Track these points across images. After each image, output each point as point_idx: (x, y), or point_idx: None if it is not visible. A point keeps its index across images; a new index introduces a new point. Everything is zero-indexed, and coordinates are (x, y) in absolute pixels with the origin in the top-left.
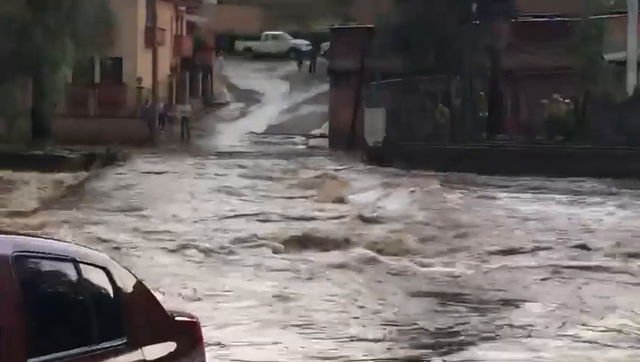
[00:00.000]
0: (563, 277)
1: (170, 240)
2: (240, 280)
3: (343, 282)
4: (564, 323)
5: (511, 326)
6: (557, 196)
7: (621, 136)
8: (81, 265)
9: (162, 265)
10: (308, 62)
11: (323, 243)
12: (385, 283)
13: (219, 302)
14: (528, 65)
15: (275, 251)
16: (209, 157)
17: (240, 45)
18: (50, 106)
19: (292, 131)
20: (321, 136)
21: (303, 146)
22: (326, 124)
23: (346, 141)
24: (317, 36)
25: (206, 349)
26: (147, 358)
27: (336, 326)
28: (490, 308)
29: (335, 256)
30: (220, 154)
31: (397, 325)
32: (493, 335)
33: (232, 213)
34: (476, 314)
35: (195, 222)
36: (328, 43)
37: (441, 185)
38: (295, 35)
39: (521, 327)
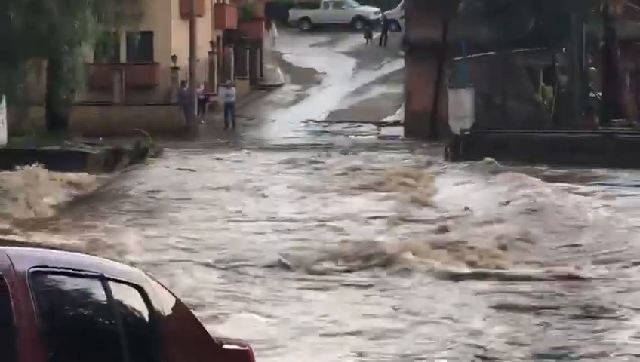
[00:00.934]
0: None
1: (220, 256)
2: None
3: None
4: None
5: None
6: None
7: None
8: (111, 283)
9: (216, 283)
10: (378, 34)
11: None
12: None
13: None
14: None
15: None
16: (259, 151)
17: (295, 14)
18: (69, 92)
19: (359, 118)
20: (395, 123)
21: (373, 136)
22: (401, 109)
23: (425, 129)
24: (388, 1)
25: None
26: None
27: None
28: None
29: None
30: (272, 148)
31: None
32: None
33: (313, 222)
34: None
35: (258, 233)
36: (400, 8)
37: (545, 181)
38: (361, 1)
39: None
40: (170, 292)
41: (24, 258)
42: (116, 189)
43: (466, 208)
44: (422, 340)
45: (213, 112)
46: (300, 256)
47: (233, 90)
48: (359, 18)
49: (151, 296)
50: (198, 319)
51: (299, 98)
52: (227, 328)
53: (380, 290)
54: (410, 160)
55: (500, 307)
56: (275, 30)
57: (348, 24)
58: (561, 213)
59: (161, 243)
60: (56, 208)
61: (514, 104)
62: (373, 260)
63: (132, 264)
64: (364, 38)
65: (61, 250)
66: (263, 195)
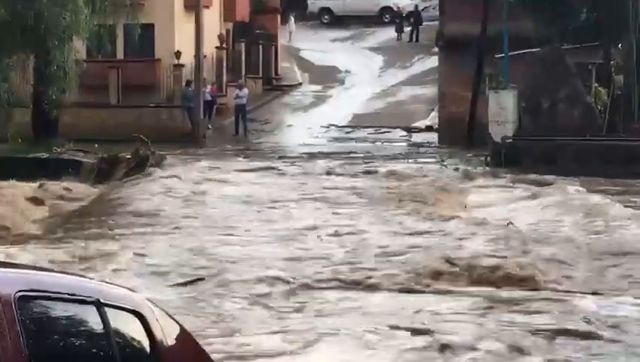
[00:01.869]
0: None
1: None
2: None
3: None
4: None
5: None
6: None
7: None
8: (107, 309)
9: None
10: (409, 28)
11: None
12: None
13: None
14: None
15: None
16: (275, 161)
17: (315, 5)
18: (58, 92)
19: (387, 123)
20: (428, 129)
21: (403, 143)
22: (435, 113)
23: (462, 135)
24: None
25: None
26: None
27: None
28: None
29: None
30: (289, 157)
31: None
32: None
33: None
34: None
35: (287, 259)
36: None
37: (598, 194)
38: None
39: None
40: (174, 320)
41: (10, 281)
42: (112, 203)
43: (510, 223)
44: None
45: (221, 116)
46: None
47: (245, 90)
48: (388, 9)
49: (152, 324)
50: (205, 350)
51: (319, 100)
52: None
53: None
54: (446, 171)
55: None
56: (293, 23)
57: (375, 16)
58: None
59: (161, 264)
60: (44, 224)
61: (563, 107)
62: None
63: (131, 288)
64: (396, 32)
65: (52, 271)
66: (320, 238)
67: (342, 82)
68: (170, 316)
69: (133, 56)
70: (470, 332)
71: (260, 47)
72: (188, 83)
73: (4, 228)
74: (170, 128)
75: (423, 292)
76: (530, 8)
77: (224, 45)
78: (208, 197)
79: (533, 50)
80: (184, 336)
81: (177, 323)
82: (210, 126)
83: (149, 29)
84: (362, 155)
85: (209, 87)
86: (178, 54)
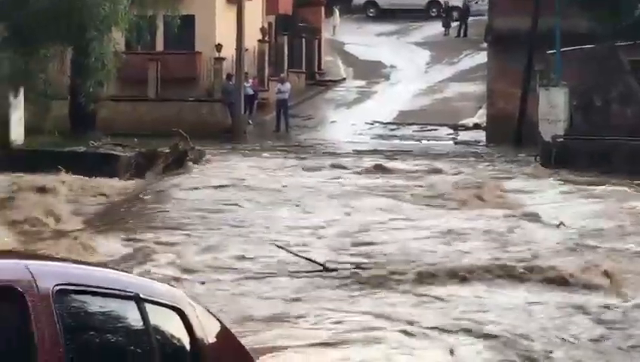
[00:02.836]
0: None
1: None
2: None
3: None
4: None
5: None
6: None
7: None
8: (147, 305)
9: None
10: (457, 22)
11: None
12: None
13: None
14: None
15: None
16: (320, 158)
17: None
18: (96, 85)
19: (434, 120)
20: (476, 127)
21: (449, 142)
22: (483, 110)
23: (511, 134)
24: None
25: None
26: None
27: None
28: None
29: None
30: (332, 154)
31: None
32: None
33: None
34: None
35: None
36: None
37: None
38: None
39: None
40: (216, 318)
41: (48, 274)
42: (151, 199)
43: (561, 223)
44: None
45: (263, 111)
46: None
47: (287, 85)
48: (436, 3)
49: (193, 322)
50: (247, 349)
51: (363, 96)
52: None
53: None
54: (494, 170)
55: None
56: (337, 16)
57: (422, 10)
58: None
59: (204, 262)
60: (81, 219)
61: (616, 106)
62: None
63: (172, 284)
64: (443, 26)
65: (90, 265)
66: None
67: (387, 78)
68: (211, 313)
69: (173, 48)
70: None
71: (303, 40)
72: (229, 77)
73: (44, 221)
74: (210, 123)
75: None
76: (583, 4)
77: (266, 38)
78: (242, 197)
79: (586, 46)
80: (225, 334)
81: (218, 320)
82: (250, 121)
83: (189, 20)
84: (406, 151)
85: (250, 82)
86: (219, 47)
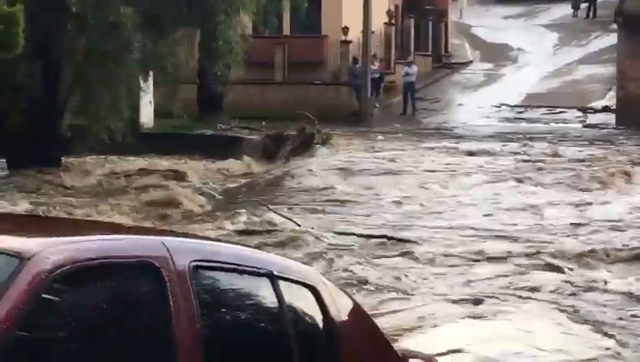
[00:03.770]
0: None
1: None
2: None
3: None
4: None
5: None
6: None
7: None
8: (281, 282)
9: None
10: (585, 4)
11: None
12: None
13: None
14: None
15: None
16: (453, 142)
17: None
18: (224, 68)
19: (562, 103)
20: (605, 109)
21: (578, 125)
22: (612, 93)
23: None
24: None
25: None
26: None
27: None
28: None
29: None
30: (463, 137)
31: None
32: None
33: None
34: None
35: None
36: None
37: None
38: None
39: None
40: (350, 297)
41: (185, 250)
42: (282, 181)
43: None
44: None
45: (389, 94)
46: None
47: (414, 68)
48: None
49: (327, 301)
50: (380, 329)
51: (490, 78)
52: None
53: None
54: (624, 154)
55: None
56: None
57: None
58: None
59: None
60: (214, 200)
61: None
62: None
63: (306, 262)
64: (572, 8)
65: (224, 242)
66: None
67: (514, 60)
68: (344, 291)
69: (300, 32)
70: None
71: (430, 23)
72: (355, 60)
73: (175, 204)
74: (337, 106)
75: None
76: None
77: (393, 21)
78: (381, 183)
79: None
80: (358, 312)
81: (351, 298)
82: (377, 104)
83: (315, 4)
84: (537, 134)
85: (377, 65)
86: (345, 30)
